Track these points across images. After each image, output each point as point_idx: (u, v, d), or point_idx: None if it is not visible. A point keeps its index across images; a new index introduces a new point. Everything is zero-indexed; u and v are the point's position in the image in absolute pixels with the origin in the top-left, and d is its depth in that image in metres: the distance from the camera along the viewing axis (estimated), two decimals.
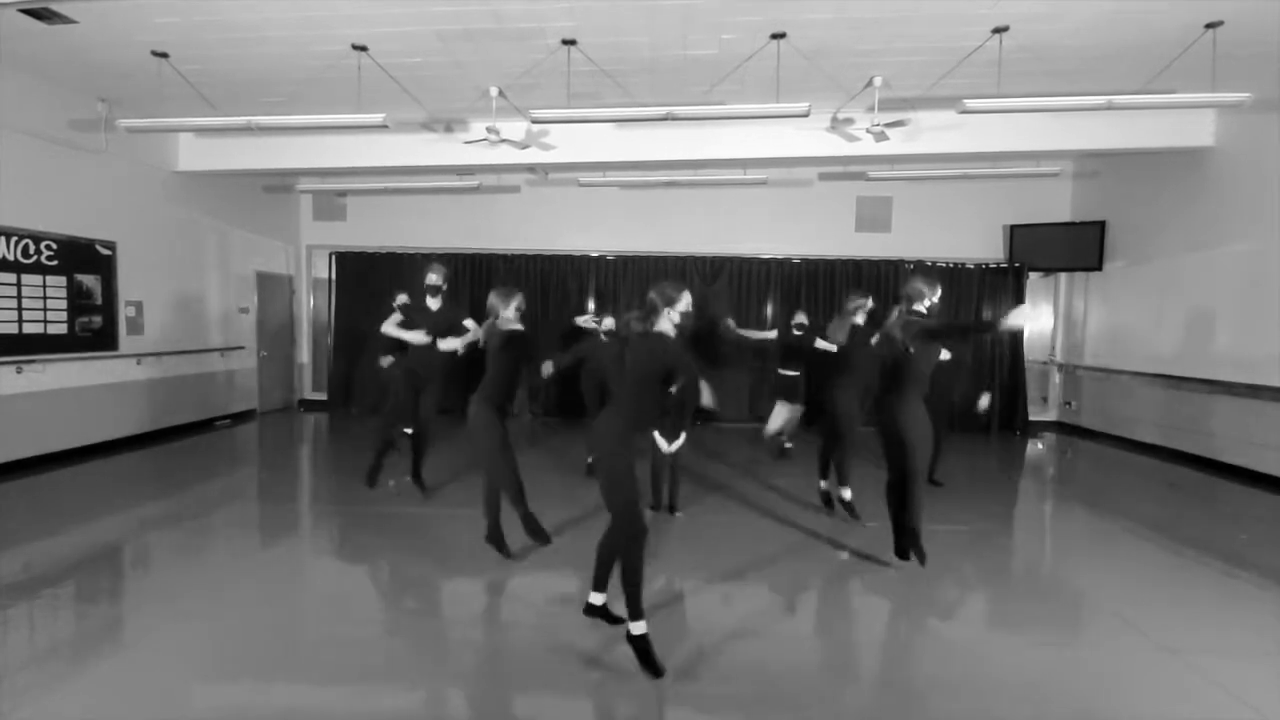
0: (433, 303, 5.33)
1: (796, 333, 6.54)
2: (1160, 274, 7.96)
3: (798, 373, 6.71)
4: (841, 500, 5.07)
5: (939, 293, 3.87)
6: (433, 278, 5.29)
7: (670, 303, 2.98)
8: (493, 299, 4.06)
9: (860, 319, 5.04)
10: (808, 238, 9.78)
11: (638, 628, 2.88)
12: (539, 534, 4.19)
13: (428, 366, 5.26)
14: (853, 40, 5.35)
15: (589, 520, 4.71)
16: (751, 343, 7.06)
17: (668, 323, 2.99)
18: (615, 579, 2.95)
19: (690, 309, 3.03)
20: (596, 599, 3.09)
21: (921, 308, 3.82)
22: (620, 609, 2.96)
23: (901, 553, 3.92)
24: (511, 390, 4.10)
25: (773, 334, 6.86)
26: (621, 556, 2.91)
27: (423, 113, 7.12)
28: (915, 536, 3.83)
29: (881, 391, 3.95)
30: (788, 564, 4.20)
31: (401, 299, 6.67)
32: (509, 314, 4.03)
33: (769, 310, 9.71)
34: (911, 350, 3.71)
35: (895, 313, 3.90)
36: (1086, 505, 5.99)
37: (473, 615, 3.55)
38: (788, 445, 7.17)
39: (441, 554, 4.35)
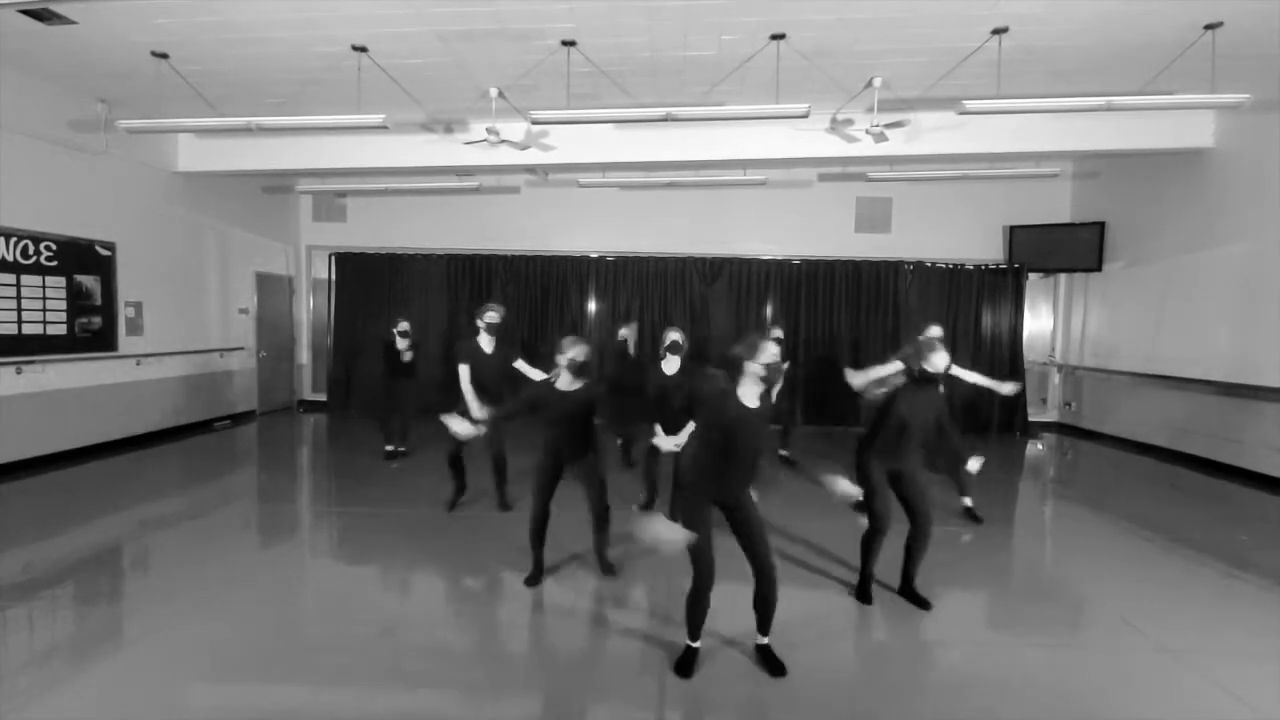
0: (487, 343, 5.08)
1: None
2: (1160, 275, 7.96)
3: None
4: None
5: None
6: (491, 316, 5.08)
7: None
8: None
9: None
10: (807, 238, 9.78)
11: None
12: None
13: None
14: (852, 41, 5.36)
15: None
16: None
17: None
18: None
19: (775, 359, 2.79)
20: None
21: None
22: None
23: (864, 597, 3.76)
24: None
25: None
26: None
27: (422, 113, 7.12)
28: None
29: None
30: (785, 565, 4.20)
31: (403, 326, 6.70)
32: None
33: (768, 311, 9.71)
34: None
35: None
36: (1087, 506, 5.98)
37: (472, 616, 3.54)
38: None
39: (440, 555, 4.35)
